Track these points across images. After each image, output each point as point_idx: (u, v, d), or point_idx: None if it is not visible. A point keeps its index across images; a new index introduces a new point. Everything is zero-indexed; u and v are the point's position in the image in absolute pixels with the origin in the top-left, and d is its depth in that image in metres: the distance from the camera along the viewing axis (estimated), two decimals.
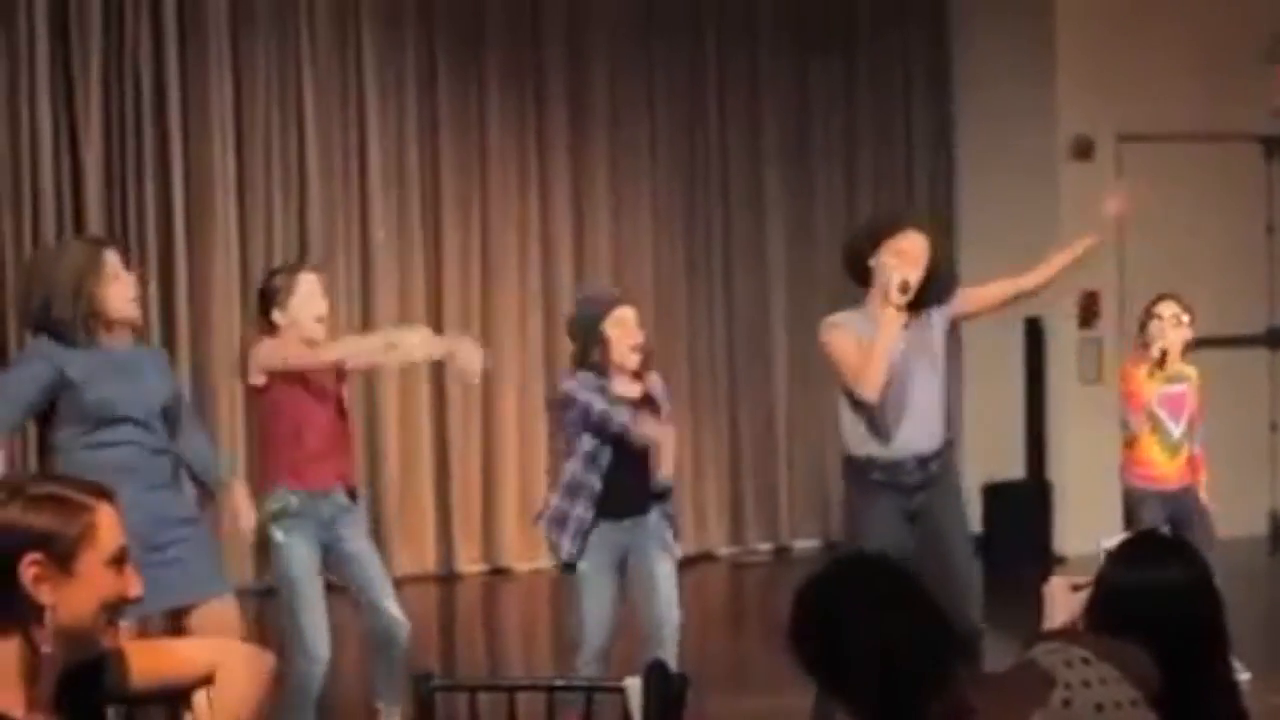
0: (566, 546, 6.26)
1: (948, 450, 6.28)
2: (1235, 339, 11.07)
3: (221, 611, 5.56)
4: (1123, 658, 2.81)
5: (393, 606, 6.25)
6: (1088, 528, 9.94)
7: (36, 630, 2.59)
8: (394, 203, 10.63)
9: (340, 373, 6.36)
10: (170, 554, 5.42)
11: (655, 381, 6.47)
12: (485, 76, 10.85)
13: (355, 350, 6.71)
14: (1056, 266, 6.63)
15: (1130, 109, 10.96)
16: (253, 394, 6.35)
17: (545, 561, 10.85)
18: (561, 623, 6.67)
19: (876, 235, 6.24)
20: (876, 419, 6.11)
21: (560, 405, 6.42)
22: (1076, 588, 3.21)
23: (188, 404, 6.11)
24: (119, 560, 2.67)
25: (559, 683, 4.15)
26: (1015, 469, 11.21)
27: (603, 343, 6.29)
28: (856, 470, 6.20)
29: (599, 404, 6.18)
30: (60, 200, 9.81)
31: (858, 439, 6.17)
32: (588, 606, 6.24)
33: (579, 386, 6.26)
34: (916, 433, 6.13)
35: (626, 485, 6.24)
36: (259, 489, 6.26)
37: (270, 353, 6.19)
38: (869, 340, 6.07)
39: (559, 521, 6.28)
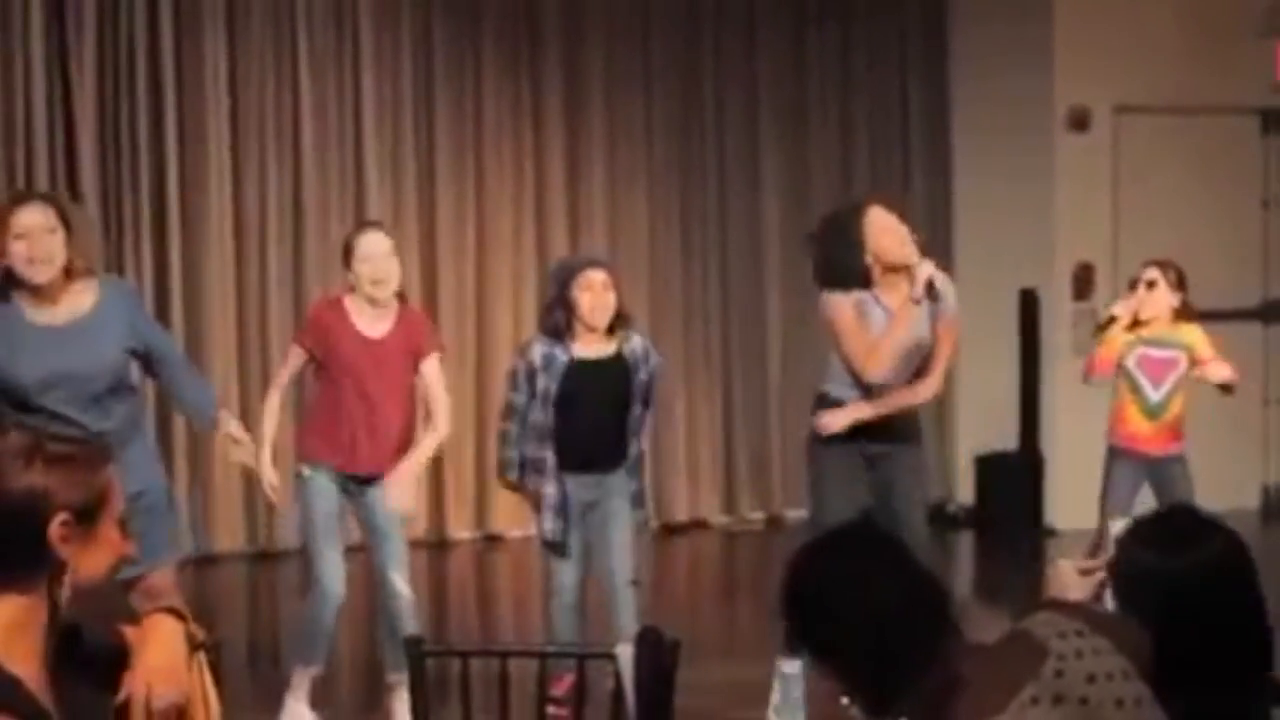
0: (549, 526, 6.45)
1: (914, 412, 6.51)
2: (1229, 313, 11.07)
3: (153, 580, 5.26)
4: (1116, 630, 2.81)
5: (398, 580, 6.37)
6: (1080, 500, 9.96)
7: (58, 589, 2.63)
8: (389, 175, 10.62)
9: (414, 352, 6.40)
10: None
11: (635, 343, 6.54)
12: (481, 50, 10.82)
13: None
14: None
15: (1127, 81, 10.95)
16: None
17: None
18: (550, 611, 6.76)
19: (853, 231, 6.30)
20: (865, 385, 6.34)
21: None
22: (1084, 572, 3.18)
23: (171, 349, 5.82)
24: (124, 520, 2.73)
25: (551, 649, 4.16)
26: (1008, 440, 11.22)
27: (567, 304, 6.39)
28: (828, 406, 6.39)
29: (517, 390, 6.45)
30: (54, 167, 9.79)
31: (837, 382, 6.39)
32: (553, 560, 6.51)
33: (532, 359, 6.42)
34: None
35: (584, 440, 6.42)
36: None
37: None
38: (880, 321, 6.25)
39: (537, 471, 6.48)
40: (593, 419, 6.42)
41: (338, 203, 10.48)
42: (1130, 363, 7.47)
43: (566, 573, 6.50)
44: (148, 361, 5.58)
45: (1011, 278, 11.14)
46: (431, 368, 6.47)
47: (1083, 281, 11.07)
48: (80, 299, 5.32)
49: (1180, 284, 7.49)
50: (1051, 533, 10.85)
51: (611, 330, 6.45)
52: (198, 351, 10.03)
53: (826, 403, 6.40)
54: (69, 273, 5.28)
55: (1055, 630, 2.75)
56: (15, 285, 5.26)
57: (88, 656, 2.77)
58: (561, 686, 5.23)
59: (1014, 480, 11.11)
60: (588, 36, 11.06)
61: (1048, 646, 2.72)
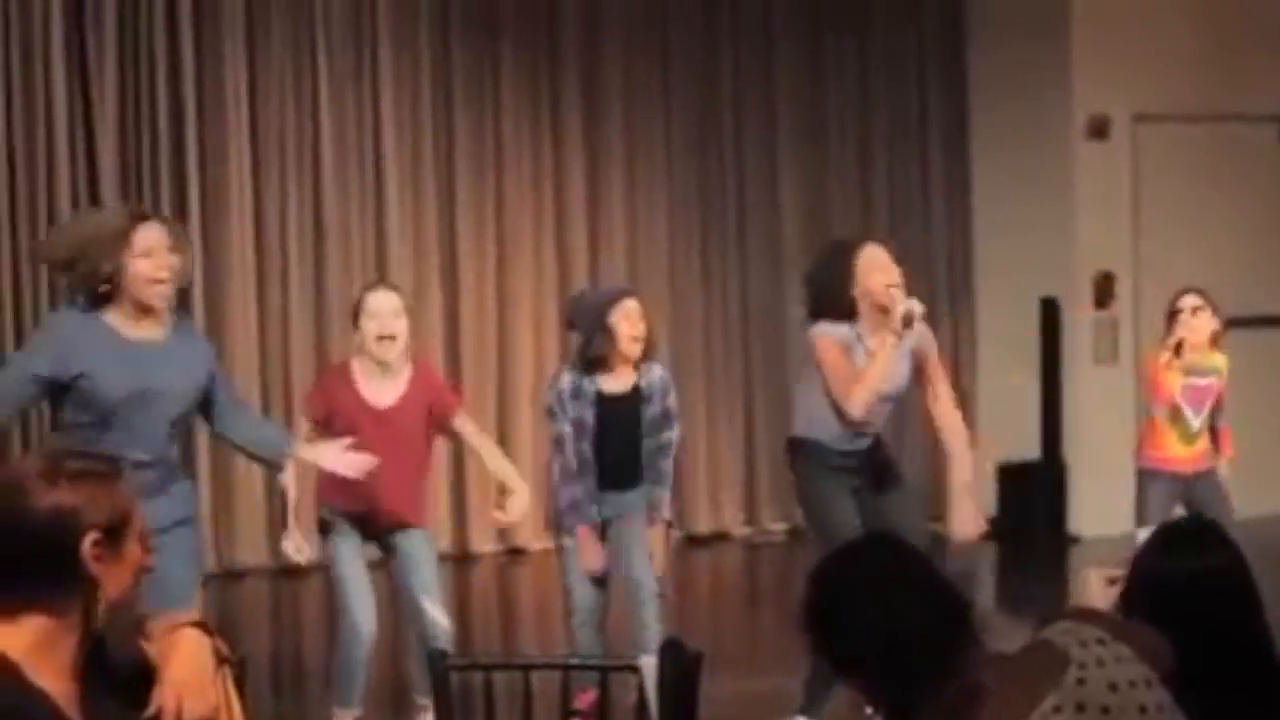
0: (591, 560, 6.52)
1: (885, 443, 6.57)
2: (1250, 320, 11.05)
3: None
4: (1137, 637, 2.81)
5: (432, 608, 6.29)
6: (1102, 509, 9.98)
7: (93, 606, 2.65)
8: (408, 183, 10.64)
9: (431, 416, 6.34)
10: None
11: (655, 374, 6.60)
12: (500, 63, 10.84)
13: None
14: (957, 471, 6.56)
15: (1146, 90, 10.94)
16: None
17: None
18: (570, 629, 6.80)
19: (846, 262, 6.32)
20: (841, 419, 6.32)
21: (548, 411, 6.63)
22: (1112, 581, 3.21)
23: (228, 384, 5.62)
24: (143, 533, 2.75)
25: (574, 661, 4.17)
26: (1030, 450, 11.20)
27: (607, 332, 6.41)
28: (809, 451, 6.41)
29: (566, 424, 6.47)
30: (75, 187, 9.82)
31: (818, 425, 6.37)
32: (572, 572, 6.53)
33: (566, 396, 6.47)
34: (857, 436, 6.38)
35: (609, 462, 6.50)
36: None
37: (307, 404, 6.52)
38: (864, 357, 6.25)
39: (571, 508, 6.52)
40: (610, 451, 6.51)
41: (358, 222, 10.50)
42: (1178, 394, 7.51)
43: (588, 589, 6.53)
44: (212, 401, 5.39)
45: (1032, 287, 11.13)
46: (465, 427, 6.47)
47: (1103, 290, 11.05)
48: (157, 325, 5.17)
49: (1216, 310, 7.57)
50: (1075, 541, 10.83)
51: (636, 363, 6.53)
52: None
53: (810, 446, 6.39)
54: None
55: (1077, 639, 2.75)
56: (106, 302, 5.09)
57: (113, 672, 2.78)
58: (584, 700, 5.24)
59: (1037, 489, 11.09)
60: (606, 50, 11.07)
61: (1069, 655, 2.72)
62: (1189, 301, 7.56)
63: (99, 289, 5.05)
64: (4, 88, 9.66)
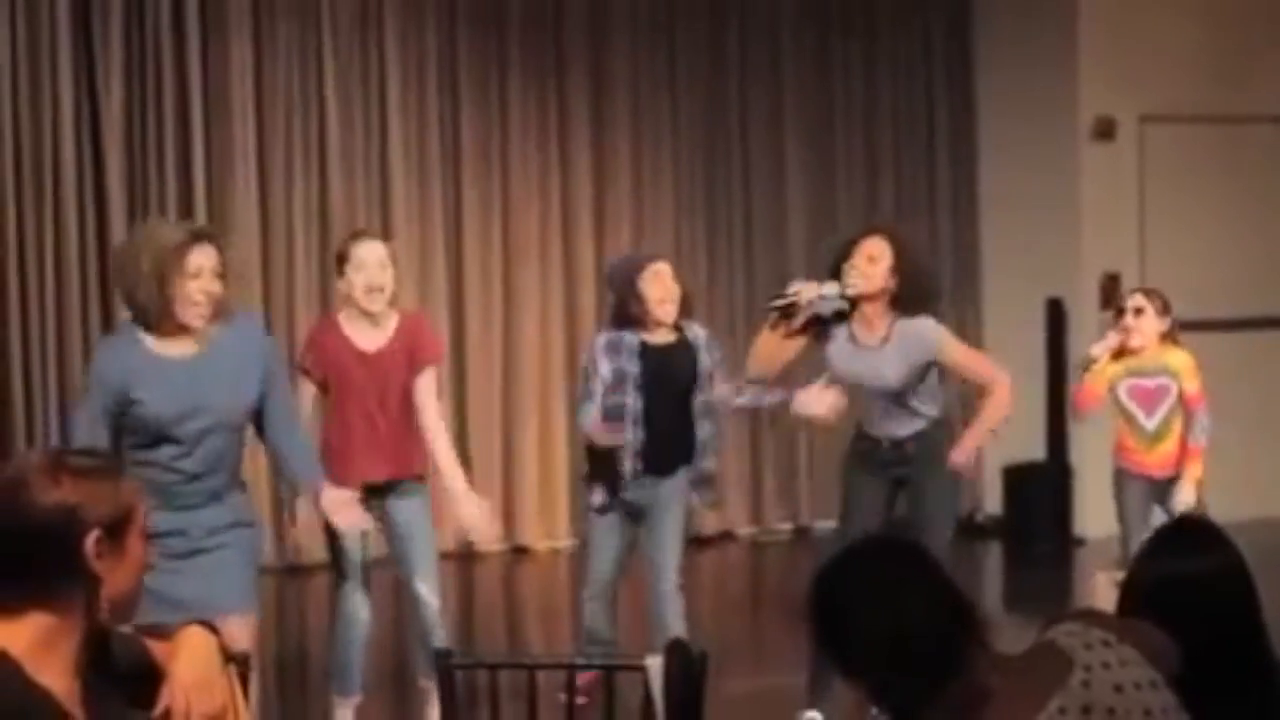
0: (597, 500, 6.64)
1: (932, 431, 6.44)
2: (1255, 321, 11.06)
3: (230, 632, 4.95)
4: (1142, 639, 2.81)
5: (422, 586, 6.32)
6: (1108, 510, 9.91)
7: (95, 603, 2.65)
8: (415, 182, 10.64)
9: (411, 362, 6.29)
10: (193, 563, 5.04)
11: (696, 332, 6.75)
12: (506, 56, 10.84)
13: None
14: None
15: (1152, 90, 10.93)
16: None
17: (565, 540, 10.90)
18: (580, 600, 6.85)
19: (843, 248, 6.41)
20: (864, 404, 6.48)
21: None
22: (1120, 585, 3.22)
23: (285, 390, 5.45)
24: (146, 532, 2.75)
25: (579, 661, 4.17)
26: (1036, 450, 11.19)
27: (638, 297, 6.56)
28: (855, 436, 6.58)
29: (599, 378, 6.54)
30: (81, 184, 9.83)
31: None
32: (594, 542, 6.68)
33: (598, 350, 6.60)
34: (882, 420, 6.41)
35: (657, 429, 6.55)
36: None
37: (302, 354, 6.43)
38: (838, 350, 6.38)
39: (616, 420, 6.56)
40: (661, 406, 6.55)
41: (364, 214, 10.50)
42: (1122, 393, 7.44)
43: (605, 563, 6.62)
44: (260, 408, 5.26)
45: (1038, 288, 11.12)
46: (425, 381, 6.28)
47: (1109, 291, 11.02)
48: (202, 334, 5.09)
49: (1166, 309, 7.43)
50: (1080, 542, 10.82)
51: (674, 322, 6.67)
52: None
53: (856, 430, 6.55)
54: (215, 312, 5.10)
55: (1082, 641, 2.75)
56: (144, 322, 5.06)
57: (118, 670, 2.78)
58: (583, 679, 5.27)
59: (1042, 490, 11.08)
60: (613, 44, 11.06)
61: (1074, 657, 2.72)
62: (1134, 302, 7.49)
63: (157, 307, 5.00)
64: (11, 89, 9.66)
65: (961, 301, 11.56)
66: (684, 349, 6.64)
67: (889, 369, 6.29)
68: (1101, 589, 3.25)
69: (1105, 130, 10.96)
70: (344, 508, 5.40)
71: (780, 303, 6.27)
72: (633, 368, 6.53)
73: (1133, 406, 7.43)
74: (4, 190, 9.65)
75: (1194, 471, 7.32)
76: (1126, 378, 7.41)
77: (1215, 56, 10.99)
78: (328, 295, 10.36)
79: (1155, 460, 7.42)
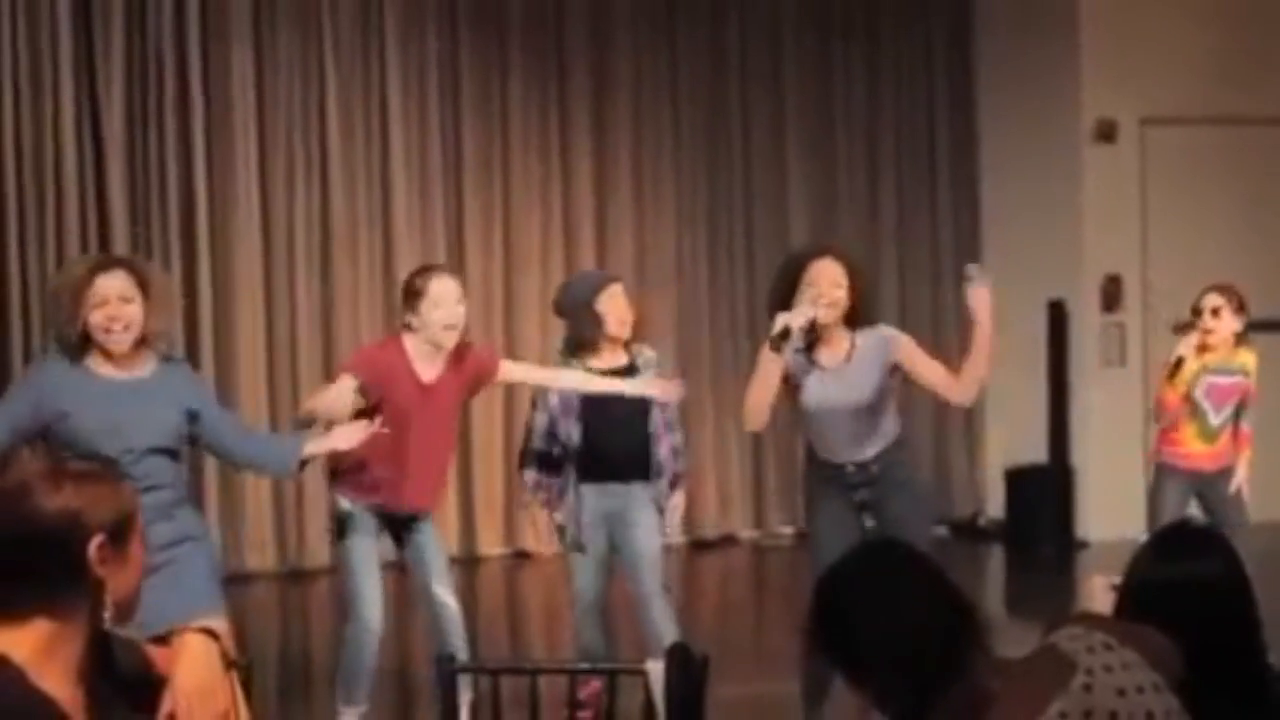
0: (568, 530, 6.63)
1: (892, 450, 6.35)
2: (1259, 324, 11.03)
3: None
4: (1145, 643, 2.81)
5: (441, 591, 6.34)
6: (1110, 512, 9.96)
7: (99, 608, 2.65)
8: (416, 190, 10.65)
9: (471, 386, 6.43)
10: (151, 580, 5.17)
11: (647, 353, 6.75)
12: (507, 63, 10.85)
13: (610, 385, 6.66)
14: (979, 354, 6.45)
15: (1154, 93, 10.93)
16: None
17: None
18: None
19: (791, 277, 6.29)
20: (814, 432, 6.35)
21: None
22: (1115, 588, 3.21)
23: (222, 412, 5.82)
24: (144, 533, 2.75)
25: (582, 665, 4.17)
26: (1038, 453, 11.19)
27: (595, 318, 6.55)
28: (810, 460, 6.46)
29: (531, 426, 6.70)
30: (83, 194, 9.84)
31: (811, 439, 6.43)
32: (572, 561, 6.64)
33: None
34: (849, 445, 6.29)
35: (607, 452, 6.55)
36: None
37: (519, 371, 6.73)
38: (802, 362, 6.28)
39: (547, 501, 6.68)
40: (612, 428, 6.55)
41: (366, 227, 10.51)
42: (1199, 392, 7.47)
43: (586, 578, 6.59)
44: (201, 432, 5.54)
45: (1040, 290, 11.12)
46: (514, 370, 6.67)
47: (1111, 294, 11.05)
48: (142, 363, 5.39)
49: (1241, 308, 7.52)
50: (1083, 545, 10.82)
51: (627, 344, 6.65)
52: (227, 375, 10.07)
53: (810, 458, 6.43)
54: (143, 341, 5.36)
55: (1084, 644, 2.75)
56: (90, 345, 5.34)
57: (120, 676, 2.78)
58: (586, 690, 5.26)
59: (1044, 493, 11.08)
60: (614, 51, 11.07)
61: (1076, 660, 2.71)
62: (1209, 302, 7.52)
63: (72, 338, 5.32)
64: (13, 97, 9.68)
65: (962, 303, 11.54)
66: (630, 373, 6.61)
67: (863, 379, 6.22)
68: (1098, 592, 3.24)
69: (1106, 133, 10.96)
70: (345, 431, 5.80)
71: (776, 333, 6.18)
72: (576, 398, 6.53)
73: (1205, 404, 7.47)
74: (6, 200, 9.67)
75: (1246, 455, 7.58)
76: (1205, 375, 7.46)
77: (1216, 58, 10.99)
78: (329, 303, 10.39)
79: (1209, 453, 7.50)
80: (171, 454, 5.41)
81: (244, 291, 10.21)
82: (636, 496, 6.61)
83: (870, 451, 6.29)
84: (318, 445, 5.79)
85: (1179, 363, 7.43)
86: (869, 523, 6.29)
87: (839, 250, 6.42)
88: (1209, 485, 7.47)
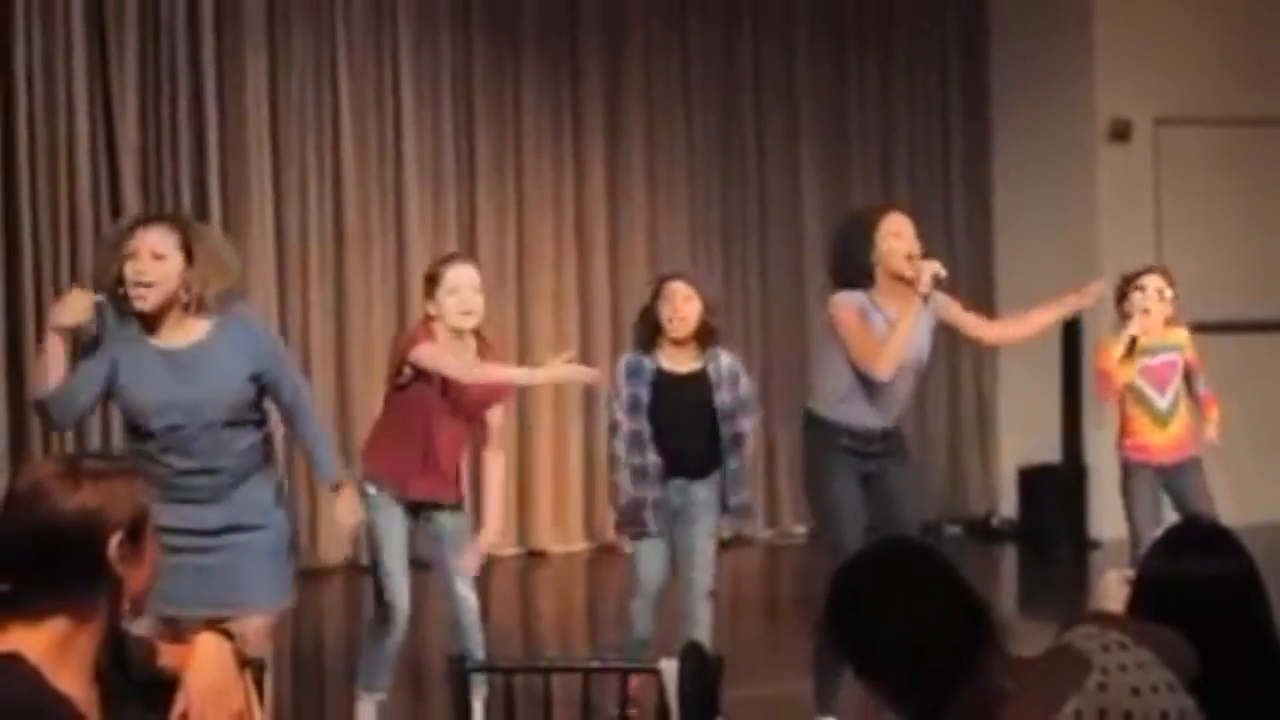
0: (649, 521, 6.57)
1: (900, 422, 6.45)
2: (1271, 323, 11.03)
3: (249, 625, 4.84)
4: (1160, 642, 2.80)
5: (462, 587, 6.34)
6: (1123, 512, 9.89)
7: (117, 606, 2.65)
8: (429, 194, 10.66)
9: (487, 399, 6.36)
10: (190, 560, 4.95)
11: (722, 361, 6.65)
12: (521, 66, 10.87)
13: (508, 375, 6.70)
14: (1040, 322, 6.53)
15: (1168, 93, 10.92)
16: (391, 386, 6.35)
17: (579, 544, 10.91)
18: (595, 604, 6.83)
19: (866, 226, 6.30)
20: (867, 393, 6.26)
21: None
22: (1130, 582, 3.20)
23: (296, 390, 5.31)
24: (157, 529, 2.76)
25: (594, 664, 4.17)
26: (1051, 452, 11.18)
27: (652, 316, 6.58)
28: (823, 430, 6.34)
29: (616, 423, 6.58)
30: (97, 197, 9.87)
31: (833, 403, 6.32)
32: (639, 552, 6.57)
33: (618, 373, 6.60)
34: (890, 410, 6.31)
35: (676, 446, 6.52)
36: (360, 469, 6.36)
37: (430, 355, 6.19)
38: (880, 327, 6.18)
39: (635, 508, 6.55)
40: (676, 430, 6.53)
41: (379, 226, 10.53)
42: (1137, 379, 7.44)
43: (654, 566, 6.55)
44: (274, 397, 5.24)
45: (1053, 289, 11.03)
46: (496, 417, 6.48)
47: (1124, 294, 11.01)
48: (197, 326, 5.03)
49: (1175, 294, 7.51)
50: (1096, 544, 10.80)
51: (701, 346, 6.57)
52: None
53: (825, 425, 6.32)
54: (198, 305, 5.00)
55: (1099, 643, 2.74)
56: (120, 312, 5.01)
57: (134, 675, 2.78)
58: (633, 685, 5.26)
59: (1057, 492, 11.07)
60: (628, 53, 11.09)
61: (1091, 659, 2.71)
62: (1153, 283, 7.49)
63: (105, 286, 4.97)
64: (27, 104, 9.70)
65: (976, 302, 11.53)
66: (701, 382, 6.58)
67: (924, 338, 6.34)
68: (1112, 587, 3.23)
69: (1121, 132, 10.95)
70: (351, 514, 5.61)
71: (928, 281, 6.16)
72: (643, 393, 6.53)
73: (1145, 386, 7.43)
74: (21, 205, 9.68)
75: (1214, 415, 7.50)
76: (1138, 359, 7.42)
77: (1230, 58, 10.98)
78: (342, 305, 10.40)
79: (1165, 443, 7.42)
80: (235, 425, 5.09)
81: (258, 295, 10.20)
82: (698, 496, 6.60)
83: (890, 420, 6.33)
84: (344, 499, 5.58)
85: (1134, 342, 7.40)
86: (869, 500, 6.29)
87: (907, 207, 6.49)
88: (1173, 478, 7.41)
